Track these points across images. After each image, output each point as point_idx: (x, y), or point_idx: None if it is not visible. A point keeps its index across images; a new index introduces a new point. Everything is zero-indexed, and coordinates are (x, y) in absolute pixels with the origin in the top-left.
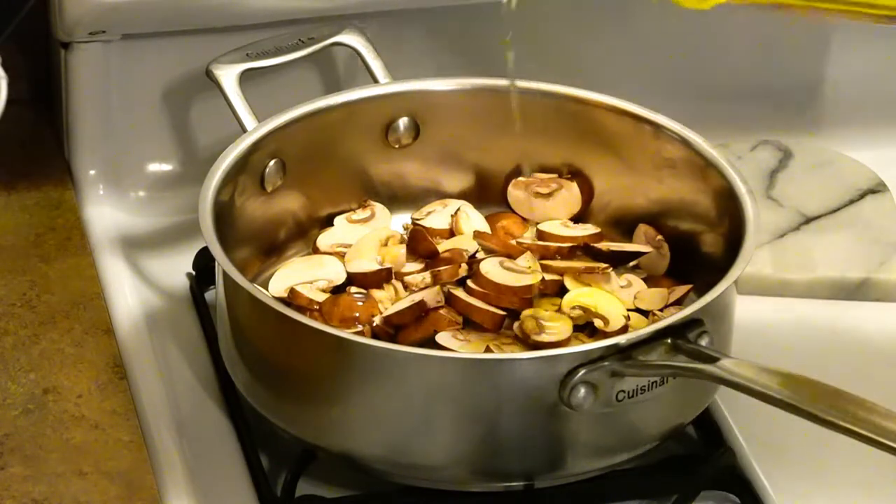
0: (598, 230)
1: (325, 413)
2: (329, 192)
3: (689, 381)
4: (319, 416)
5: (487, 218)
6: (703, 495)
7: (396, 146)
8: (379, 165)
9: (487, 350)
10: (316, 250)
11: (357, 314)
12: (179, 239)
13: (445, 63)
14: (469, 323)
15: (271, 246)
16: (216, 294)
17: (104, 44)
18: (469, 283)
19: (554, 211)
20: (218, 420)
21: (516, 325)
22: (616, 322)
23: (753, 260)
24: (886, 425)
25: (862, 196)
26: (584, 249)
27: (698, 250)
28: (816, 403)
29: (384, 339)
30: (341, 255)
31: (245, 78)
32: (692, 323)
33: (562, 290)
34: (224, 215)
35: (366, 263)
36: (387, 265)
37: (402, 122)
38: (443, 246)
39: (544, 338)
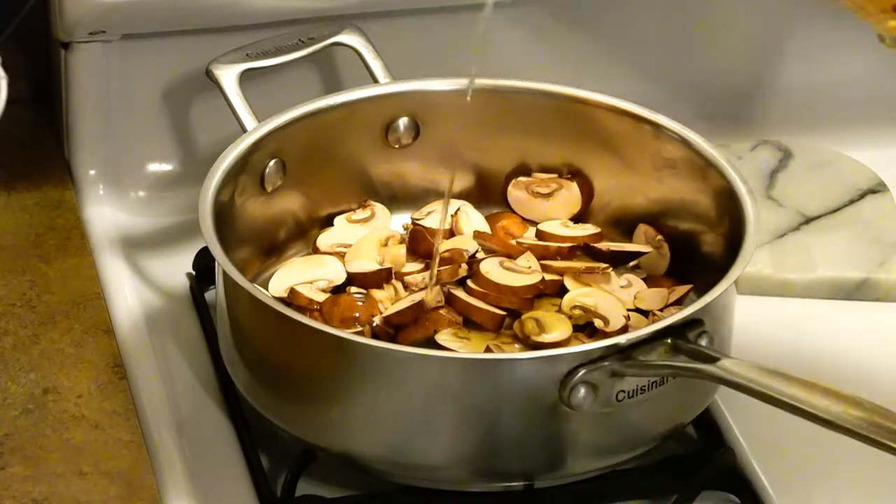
0: (598, 230)
1: (325, 413)
2: (329, 192)
3: (689, 381)
4: (319, 416)
5: (487, 218)
6: (703, 495)
7: (396, 146)
8: (379, 165)
9: (487, 350)
10: (316, 250)
11: (357, 314)
12: (179, 239)
13: (445, 63)
14: (469, 323)
15: (271, 246)
16: (216, 294)
17: (104, 44)
18: (469, 283)
19: (554, 211)
20: (218, 420)
21: (516, 325)
22: (616, 322)
23: (753, 260)
24: (886, 425)
25: (862, 196)
26: (584, 249)
27: (698, 250)
28: (816, 404)
29: (384, 339)
30: (341, 255)
31: (245, 78)
32: (692, 323)
33: (562, 290)
34: (224, 215)
35: (366, 263)
36: (387, 265)
37: (402, 122)
38: (443, 246)
39: (544, 338)
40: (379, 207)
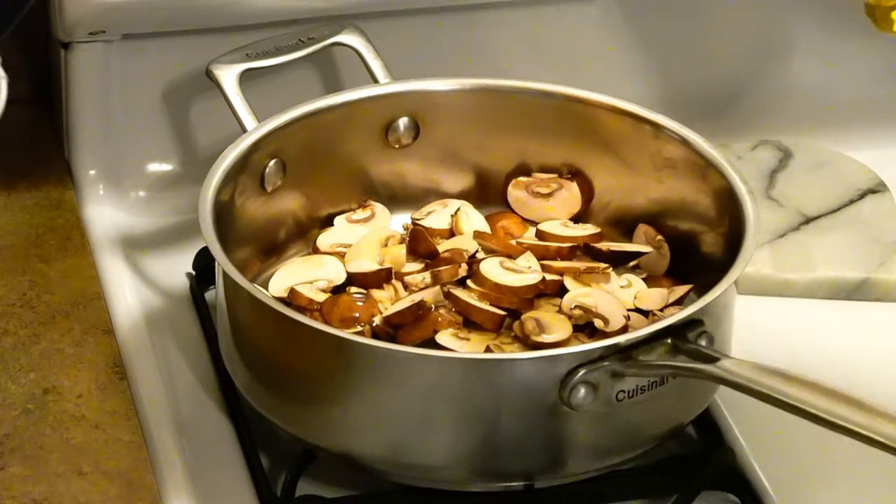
0: (598, 230)
1: (325, 413)
2: (329, 192)
3: (689, 381)
4: (319, 416)
5: (487, 218)
6: (703, 495)
7: (396, 146)
8: (379, 165)
9: (487, 350)
10: (316, 250)
11: (357, 314)
12: (179, 239)
13: (445, 63)
14: (469, 323)
15: (271, 246)
16: (216, 294)
17: (104, 44)
18: (469, 283)
19: (554, 211)
20: (218, 420)
21: (516, 325)
22: (616, 322)
23: (753, 260)
24: (886, 426)
25: (862, 196)
26: (584, 249)
27: (698, 250)
28: (816, 404)
29: (384, 339)
30: (341, 255)
31: (245, 78)
32: (692, 323)
33: (562, 290)
34: (224, 215)
35: (366, 263)
36: (387, 265)
37: (402, 122)
38: (443, 246)
39: (544, 338)
40: (379, 207)
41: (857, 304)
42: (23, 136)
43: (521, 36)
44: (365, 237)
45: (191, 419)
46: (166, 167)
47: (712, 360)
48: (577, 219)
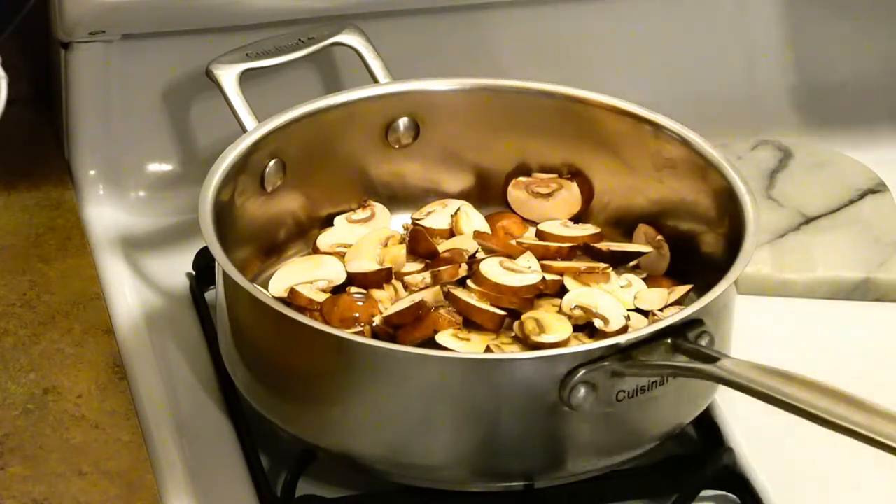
0: (598, 230)
1: (325, 413)
2: (329, 192)
3: (689, 381)
4: (319, 416)
5: (487, 218)
6: (703, 495)
7: (396, 146)
8: (379, 165)
9: (487, 350)
10: (316, 250)
11: (357, 314)
12: (179, 239)
13: (445, 63)
14: (469, 323)
15: (271, 246)
16: (216, 294)
17: (104, 44)
18: (469, 283)
19: (554, 211)
20: (218, 420)
21: (516, 325)
22: (616, 322)
23: (753, 260)
24: (886, 425)
25: (862, 196)
26: (584, 249)
27: (698, 250)
28: (816, 404)
29: (384, 339)
30: (341, 255)
31: (245, 78)
32: (692, 323)
33: (562, 290)
34: (224, 215)
35: (366, 263)
36: (387, 265)
37: (402, 122)
38: (443, 246)
39: (544, 338)
40: (379, 207)
41: (857, 304)
42: (23, 136)
43: (521, 36)
44: (365, 237)
45: (191, 419)
46: (166, 167)
47: (712, 360)
48: (577, 219)
